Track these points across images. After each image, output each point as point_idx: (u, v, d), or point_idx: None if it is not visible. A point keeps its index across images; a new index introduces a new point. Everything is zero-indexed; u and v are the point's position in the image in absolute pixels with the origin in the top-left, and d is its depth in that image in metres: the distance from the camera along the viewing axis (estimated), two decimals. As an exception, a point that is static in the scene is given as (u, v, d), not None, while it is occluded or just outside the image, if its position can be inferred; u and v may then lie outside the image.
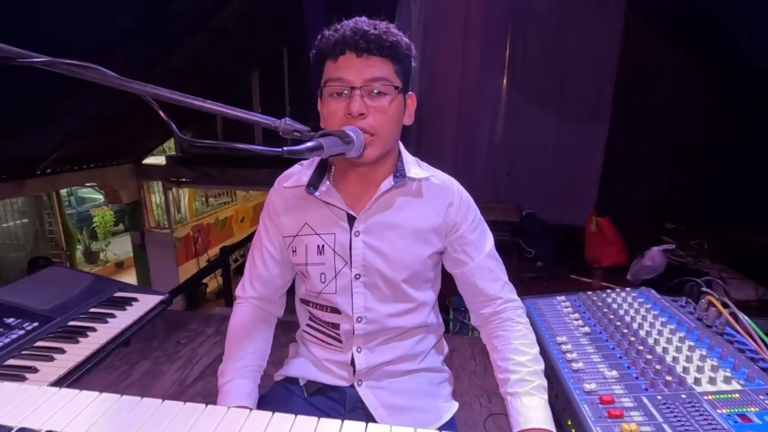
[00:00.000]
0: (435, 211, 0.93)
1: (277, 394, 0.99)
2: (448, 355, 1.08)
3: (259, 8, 3.65)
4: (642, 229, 3.23)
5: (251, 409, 0.67)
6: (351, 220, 0.91)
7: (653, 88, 3.33)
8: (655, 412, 0.73)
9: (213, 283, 5.51)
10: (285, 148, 0.58)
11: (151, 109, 0.59)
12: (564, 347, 0.95)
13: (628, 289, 1.17)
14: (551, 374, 0.89)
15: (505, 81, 3.74)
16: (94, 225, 6.85)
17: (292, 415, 0.68)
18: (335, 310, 0.94)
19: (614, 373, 0.84)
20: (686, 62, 3.25)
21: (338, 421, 0.66)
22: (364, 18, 0.82)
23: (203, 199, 6.49)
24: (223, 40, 3.72)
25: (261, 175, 4.52)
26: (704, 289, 1.04)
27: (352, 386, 0.94)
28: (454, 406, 1.01)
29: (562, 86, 3.62)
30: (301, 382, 0.99)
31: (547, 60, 3.60)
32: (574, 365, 0.88)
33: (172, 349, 2.28)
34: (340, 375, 0.95)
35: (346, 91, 0.80)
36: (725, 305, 0.96)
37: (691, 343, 0.90)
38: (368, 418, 0.91)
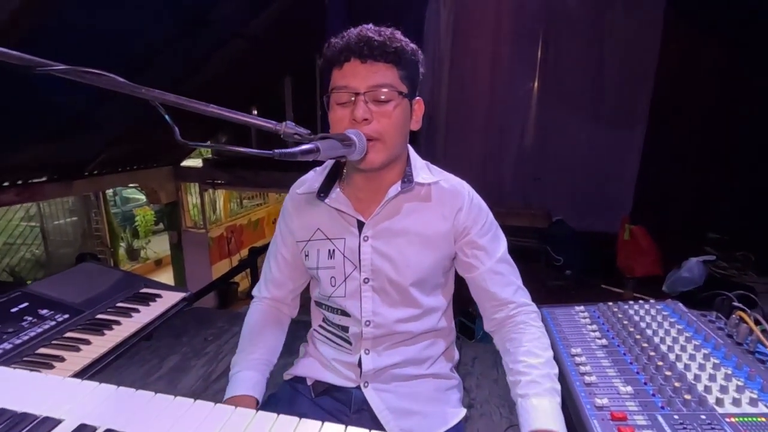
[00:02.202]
0: (444, 216, 0.92)
1: (284, 394, 1.01)
2: (459, 361, 1.07)
3: (291, 16, 3.75)
4: (682, 239, 3.06)
5: (257, 409, 0.68)
6: (361, 225, 0.92)
7: (696, 90, 3.15)
8: (669, 432, 0.69)
9: (245, 282, 5.67)
10: (276, 151, 0.59)
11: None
12: (578, 359, 0.91)
13: (652, 301, 1.11)
14: (563, 387, 0.86)
15: (536, 84, 3.65)
16: (137, 224, 7.21)
17: (297, 418, 0.67)
18: (345, 313, 0.95)
19: (629, 388, 0.80)
20: (731, 62, 3.06)
21: (342, 427, 0.65)
22: (370, 25, 0.83)
23: (238, 200, 6.71)
24: (257, 47, 3.84)
25: (291, 178, 4.57)
26: (735, 303, 0.97)
27: (358, 388, 0.94)
28: (461, 412, 0.99)
29: (596, 89, 3.50)
30: (309, 382, 1.00)
31: (581, 61, 3.49)
32: (587, 378, 0.84)
33: (199, 345, 2.36)
34: (347, 376, 0.95)
35: (353, 98, 0.81)
36: (757, 322, 0.90)
37: (716, 361, 0.84)
38: (373, 420, 0.91)
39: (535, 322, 0.92)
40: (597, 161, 3.53)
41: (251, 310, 1.06)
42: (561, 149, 3.63)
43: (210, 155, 5.58)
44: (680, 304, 1.07)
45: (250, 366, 0.96)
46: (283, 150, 0.59)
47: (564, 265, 2.91)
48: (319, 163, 0.98)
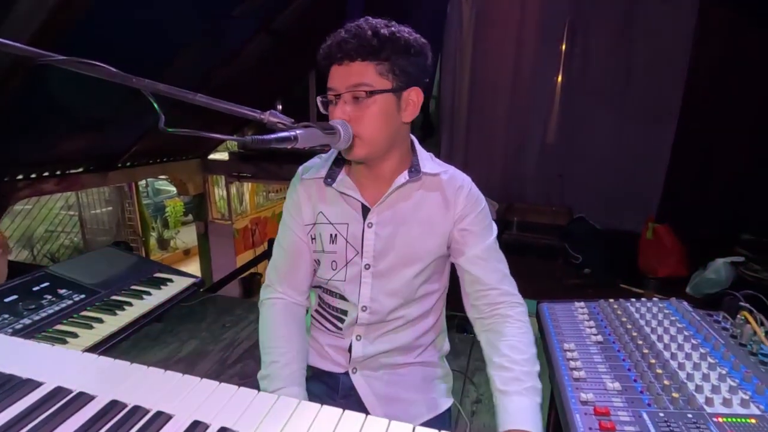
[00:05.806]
0: (446, 205, 0.94)
1: None
2: (448, 352, 1.07)
3: (315, 11, 3.78)
4: (712, 239, 2.91)
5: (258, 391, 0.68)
6: (365, 212, 0.94)
7: (733, 82, 2.96)
8: (651, 429, 0.68)
9: (267, 273, 5.81)
10: (250, 137, 0.61)
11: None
12: (569, 354, 0.90)
13: (655, 299, 1.08)
14: (552, 381, 0.86)
15: (560, 78, 3.54)
16: (167, 214, 7.48)
17: (296, 400, 0.67)
18: (343, 298, 0.97)
19: (617, 385, 0.79)
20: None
21: (339, 410, 0.66)
22: (361, 20, 0.85)
23: (264, 193, 6.86)
24: (281, 43, 3.90)
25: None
26: (742, 303, 0.93)
27: (347, 373, 0.96)
28: (447, 402, 1.00)
29: (624, 81, 3.35)
30: None
31: (608, 53, 3.35)
32: (576, 373, 0.83)
33: (218, 331, 2.45)
34: (337, 361, 0.97)
35: (336, 98, 0.85)
36: (762, 323, 0.86)
37: (713, 361, 0.81)
38: (359, 405, 0.94)
39: (520, 316, 0.92)
40: (623, 157, 3.39)
41: (270, 313, 1.00)
42: (586, 145, 3.51)
43: (236, 148, 5.72)
44: (685, 303, 1.04)
45: (291, 381, 0.90)
46: (257, 136, 0.61)
47: (583, 264, 2.83)
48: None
